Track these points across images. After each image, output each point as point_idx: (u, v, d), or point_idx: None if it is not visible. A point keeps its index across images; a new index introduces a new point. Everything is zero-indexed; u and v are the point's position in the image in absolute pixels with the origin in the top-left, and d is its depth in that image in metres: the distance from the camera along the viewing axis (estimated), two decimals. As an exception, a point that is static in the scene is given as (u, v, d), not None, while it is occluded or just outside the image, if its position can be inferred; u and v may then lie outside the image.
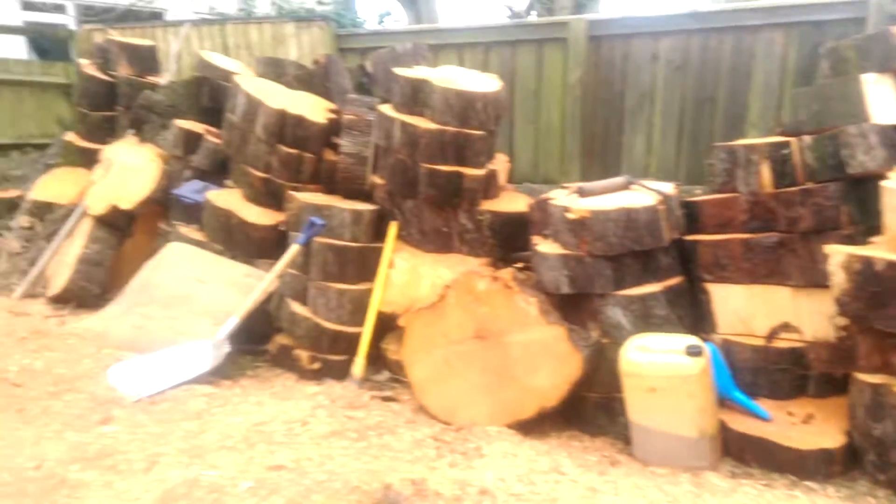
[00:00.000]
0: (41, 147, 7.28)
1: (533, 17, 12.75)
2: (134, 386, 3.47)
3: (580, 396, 3.04)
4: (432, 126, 3.82)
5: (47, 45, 11.66)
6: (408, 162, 3.89)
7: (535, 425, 3.11)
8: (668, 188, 3.25)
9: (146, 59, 5.93)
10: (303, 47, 6.36)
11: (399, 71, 4.08)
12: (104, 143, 6.07)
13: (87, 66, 6.00)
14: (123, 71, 5.82)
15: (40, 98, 7.37)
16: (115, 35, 6.23)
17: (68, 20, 11.71)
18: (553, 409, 3.03)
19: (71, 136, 6.17)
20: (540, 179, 5.70)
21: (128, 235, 5.17)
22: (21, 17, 11.36)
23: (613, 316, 2.94)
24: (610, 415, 3.03)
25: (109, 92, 5.96)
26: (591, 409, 3.09)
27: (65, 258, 4.96)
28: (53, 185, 5.88)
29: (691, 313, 3.12)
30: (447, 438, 3.07)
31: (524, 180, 5.60)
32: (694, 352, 2.61)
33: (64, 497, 2.48)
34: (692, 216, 3.26)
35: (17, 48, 10.36)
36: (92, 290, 4.84)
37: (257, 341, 4.18)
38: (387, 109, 4.06)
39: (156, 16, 10.77)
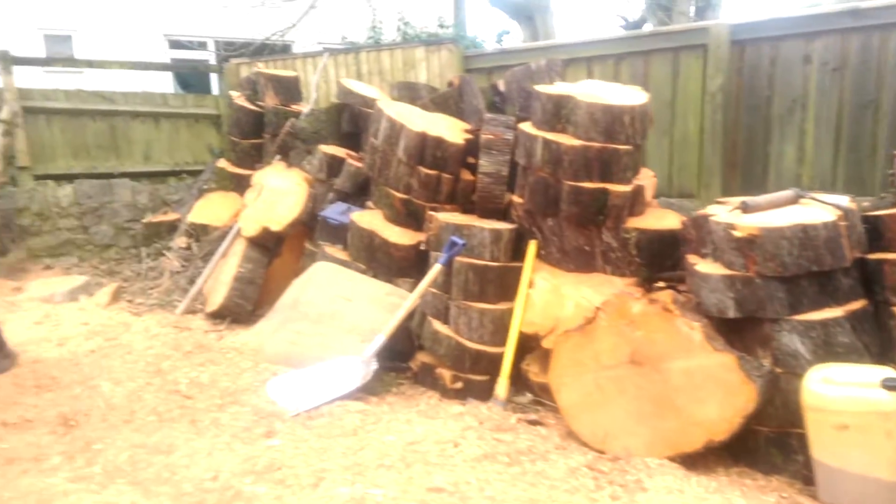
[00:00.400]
0: (194, 173, 7.83)
1: (648, 27, 12.32)
2: (292, 400, 3.58)
3: (750, 430, 2.80)
4: (576, 142, 3.70)
5: (191, 79, 12.64)
6: (549, 180, 3.79)
7: (699, 459, 2.90)
8: (845, 201, 2.95)
9: (290, 89, 6.23)
10: (432, 70, 6.44)
11: (539, 88, 4.00)
12: (253, 168, 6.43)
13: (238, 98, 6.38)
14: (270, 101, 6.14)
15: (194, 128, 7.94)
16: (262, 68, 6.58)
17: (209, 56, 12.61)
18: (721, 443, 2.80)
19: (223, 163, 6.57)
20: (675, 193, 5.43)
21: (276, 255, 5.41)
22: (169, 55, 12.39)
23: (789, 343, 2.68)
24: (784, 451, 2.76)
25: (257, 121, 6.31)
26: (762, 444, 2.83)
27: (221, 277, 5.25)
28: (208, 209, 6.28)
29: (877, 341, 2.79)
30: (603, 468, 2.93)
31: (659, 195, 5.34)
32: (892, 385, 2.32)
33: (240, 509, 2.56)
34: (875, 232, 2.93)
35: (164, 83, 11.26)
36: (246, 306, 5.10)
37: (400, 359, 4.22)
38: (527, 127, 3.99)
39: (286, 48, 11.35)
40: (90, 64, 7.71)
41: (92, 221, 6.84)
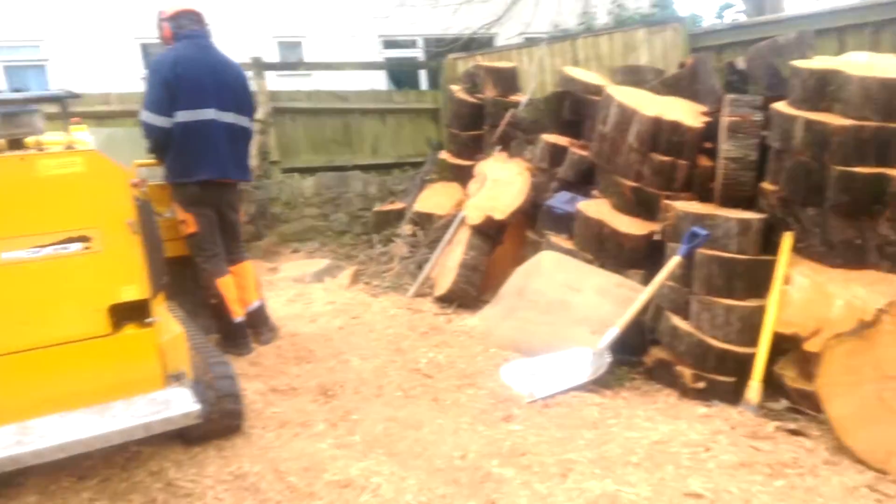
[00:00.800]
0: (416, 165, 8.23)
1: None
2: (526, 386, 3.57)
3: None
4: (846, 122, 3.23)
5: (401, 76, 13.23)
6: (812, 164, 3.36)
7: None
8: None
9: (508, 80, 6.25)
10: (654, 52, 6.08)
11: (798, 63, 3.56)
12: (473, 159, 6.57)
13: (458, 92, 6.55)
14: (489, 93, 6.21)
15: (415, 122, 8.33)
16: (481, 61, 6.68)
17: (418, 53, 13.10)
18: None
19: (444, 155, 6.80)
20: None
21: (498, 243, 5.46)
22: (382, 55, 13.11)
23: None
24: None
25: (476, 113, 6.43)
26: None
27: (447, 263, 5.44)
28: (432, 199, 6.55)
29: None
30: (888, 491, 2.53)
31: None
32: None
33: (492, 490, 2.59)
34: None
35: (378, 81, 11.84)
36: (471, 291, 5.22)
37: (630, 352, 4.02)
38: (782, 107, 3.56)
39: (489, 42, 11.42)
40: (328, 66, 8.40)
41: (330, 210, 7.48)
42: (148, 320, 2.55)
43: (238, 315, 4.17)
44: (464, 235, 5.45)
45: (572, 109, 5.34)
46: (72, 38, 11.06)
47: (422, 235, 6.58)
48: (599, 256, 4.34)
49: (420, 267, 6.10)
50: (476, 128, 6.48)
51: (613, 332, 3.74)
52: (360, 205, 7.61)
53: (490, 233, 5.40)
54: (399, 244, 6.58)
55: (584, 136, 5.15)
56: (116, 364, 2.48)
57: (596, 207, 4.41)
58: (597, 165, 4.63)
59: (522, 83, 6.67)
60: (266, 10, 11.91)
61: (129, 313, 2.52)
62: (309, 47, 12.79)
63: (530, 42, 7.28)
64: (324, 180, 7.42)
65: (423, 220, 6.55)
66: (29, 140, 2.43)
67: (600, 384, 3.67)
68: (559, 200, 4.65)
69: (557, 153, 5.09)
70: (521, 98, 6.15)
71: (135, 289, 2.49)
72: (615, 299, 4.07)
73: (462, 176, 6.56)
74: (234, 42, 12.00)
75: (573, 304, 4.13)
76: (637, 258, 4.19)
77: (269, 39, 12.64)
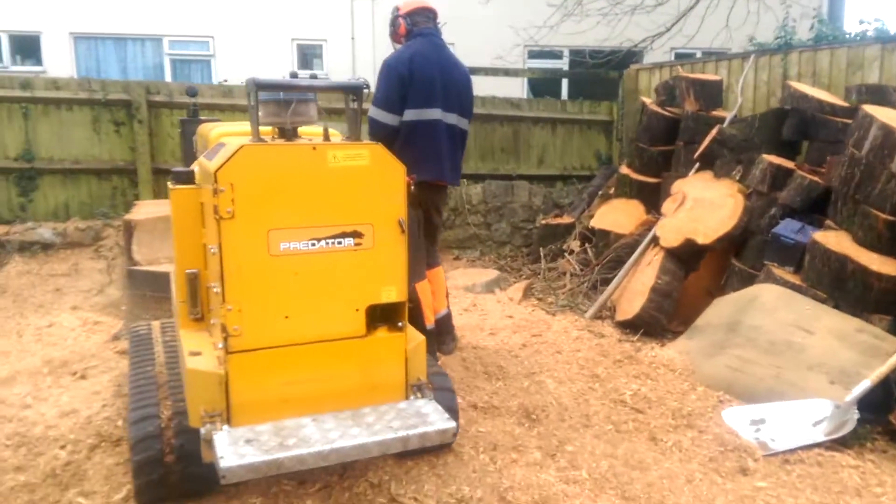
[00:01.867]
0: (582, 178, 7.98)
1: None
2: (756, 435, 3.24)
3: None
4: None
5: (539, 86, 12.90)
6: None
7: None
8: None
9: (712, 94, 5.88)
10: (889, 70, 5.47)
11: None
12: (658, 176, 6.25)
13: (651, 104, 6.25)
14: (689, 106, 5.86)
15: (585, 134, 8.09)
16: (682, 72, 6.34)
17: (563, 64, 12.71)
18: None
19: (625, 170, 6.51)
20: None
21: (693, 269, 5.11)
22: (527, 64, 12.93)
23: None
24: None
25: (670, 127, 6.10)
26: None
27: (634, 286, 5.15)
28: (610, 215, 6.28)
29: None
30: None
31: None
32: None
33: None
34: None
35: (514, 89, 11.49)
36: (661, 320, 4.90)
37: (873, 409, 3.56)
38: None
39: (632, 55, 10.77)
40: (506, 72, 8.34)
41: (494, 219, 7.39)
42: (399, 324, 2.50)
43: (430, 322, 4.12)
44: (654, 258, 5.15)
45: (797, 129, 4.90)
46: (236, 36, 11.84)
47: (592, 253, 6.34)
48: (836, 296, 3.90)
49: (594, 287, 5.85)
50: (667, 143, 6.15)
51: (864, 385, 3.32)
52: (524, 216, 7.47)
53: (686, 257, 5.06)
54: (569, 260, 6.37)
55: (809, 158, 4.70)
56: (366, 368, 2.44)
57: (836, 240, 3.98)
58: (834, 193, 4.18)
59: (726, 98, 6.25)
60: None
61: (383, 315, 2.48)
62: (456, 52, 12.95)
63: (735, 55, 6.81)
64: (492, 188, 7.35)
65: (599, 237, 6.29)
66: (303, 130, 2.45)
67: (838, 442, 3.26)
68: (788, 229, 4.24)
69: (780, 176, 4.67)
70: (727, 114, 5.75)
71: (394, 290, 2.44)
72: (857, 346, 3.63)
73: (645, 193, 6.26)
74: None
75: (804, 347, 3.73)
76: (886, 302, 3.72)
77: None
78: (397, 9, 3.90)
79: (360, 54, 12.83)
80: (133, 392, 2.75)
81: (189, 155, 3.41)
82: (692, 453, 3.14)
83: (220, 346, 2.24)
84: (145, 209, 5.28)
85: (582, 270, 6.19)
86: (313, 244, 2.29)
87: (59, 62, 11.37)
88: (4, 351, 4.02)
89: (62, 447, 2.89)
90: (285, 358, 2.32)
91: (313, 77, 2.39)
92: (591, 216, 6.86)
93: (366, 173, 2.32)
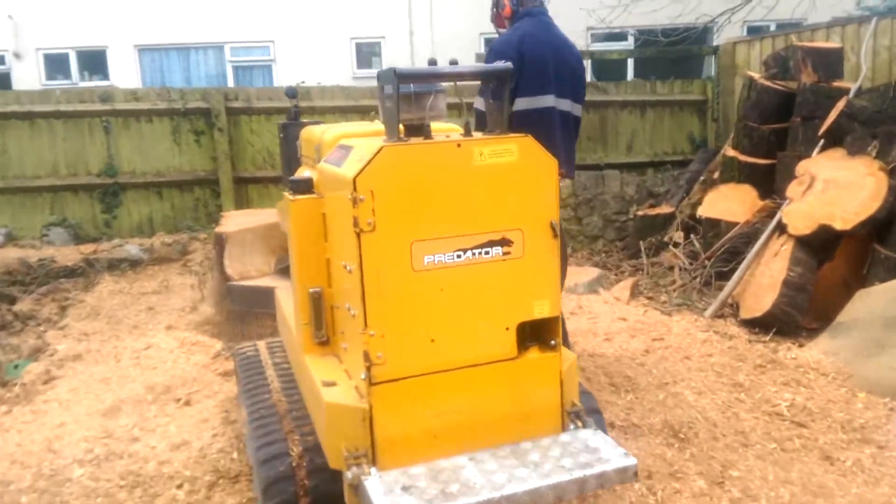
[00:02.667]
0: (676, 164, 7.49)
1: None
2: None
3: None
4: None
5: (603, 67, 12.28)
6: None
7: None
8: None
9: (832, 64, 5.35)
10: None
11: None
12: (770, 157, 5.75)
13: (760, 78, 5.75)
14: (807, 78, 5.35)
15: (677, 116, 7.61)
16: (797, 41, 5.81)
17: (629, 45, 12.09)
18: None
19: (731, 152, 6.03)
20: None
21: (827, 259, 4.62)
22: (591, 47, 12.38)
23: None
24: None
25: (783, 103, 5.59)
26: None
27: (761, 280, 4.70)
28: (719, 203, 5.81)
29: None
30: None
31: None
32: None
33: None
34: None
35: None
36: (795, 316, 4.44)
37: None
38: None
39: (707, 31, 10.02)
40: (591, 55, 7.92)
41: (585, 213, 7.01)
42: (552, 343, 2.19)
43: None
44: (782, 248, 4.68)
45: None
46: (296, 39, 11.83)
47: (700, 245, 5.88)
48: None
49: (708, 282, 5.41)
50: (780, 120, 5.63)
51: None
52: (616, 207, 7.05)
53: (820, 246, 4.57)
54: (676, 253, 5.93)
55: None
56: (518, 394, 2.15)
57: None
58: None
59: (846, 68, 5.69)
60: (477, 10, 12.04)
61: (533, 333, 2.17)
62: None
63: (851, 19, 6.22)
64: (582, 180, 6.96)
65: (707, 227, 5.83)
66: (436, 126, 2.17)
67: None
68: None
69: (931, 150, 4.15)
70: (849, 85, 5.21)
71: (547, 304, 2.13)
72: None
73: (757, 176, 5.75)
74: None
75: None
76: None
77: (477, 37, 12.72)
78: (500, -12, 3.60)
79: (418, 50, 12.68)
80: (255, 425, 2.54)
81: (292, 160, 3.19)
82: (878, 474, 2.75)
83: (362, 376, 1.98)
84: (234, 220, 5.16)
85: (691, 264, 5.75)
86: (459, 256, 2.01)
87: (125, 75, 11.63)
88: (104, 378, 3.92)
89: (179, 486, 2.72)
90: (433, 387, 2.04)
91: (453, 64, 2.11)
92: (694, 204, 6.40)
93: (514, 171, 2.02)
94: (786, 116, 5.62)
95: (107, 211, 6.85)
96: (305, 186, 2.40)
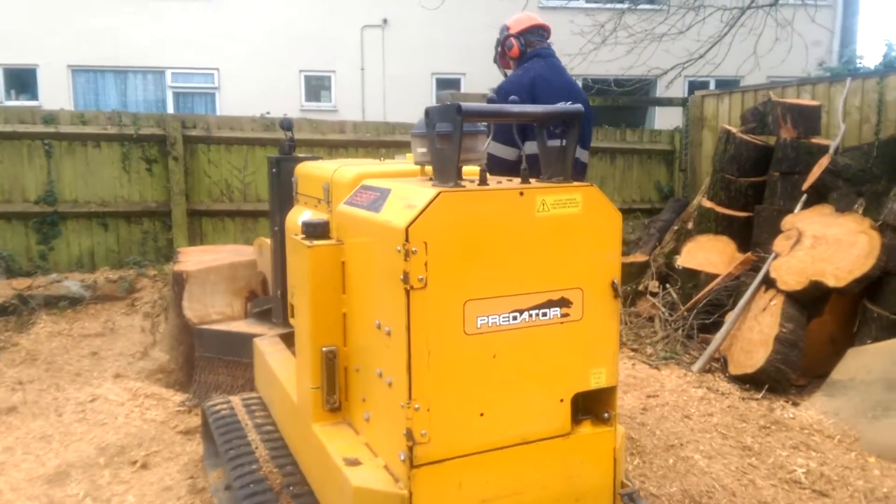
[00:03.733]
0: (644, 212, 7.51)
1: None
2: None
3: None
4: None
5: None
6: None
7: None
8: None
9: (811, 120, 5.46)
10: None
11: None
12: (746, 210, 5.80)
13: (738, 132, 5.83)
14: (786, 134, 5.44)
15: (645, 165, 7.66)
16: (775, 97, 5.93)
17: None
18: None
19: (708, 203, 6.06)
20: None
21: (815, 315, 4.61)
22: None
23: None
24: None
25: (762, 157, 5.67)
26: None
27: (750, 335, 4.63)
28: (697, 253, 5.79)
29: None
30: None
31: None
32: None
33: None
34: None
35: None
36: (788, 374, 4.38)
37: None
38: None
39: (653, 84, 10.28)
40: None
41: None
42: (606, 415, 1.98)
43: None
44: (771, 303, 4.64)
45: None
46: (242, 68, 11.58)
47: (678, 296, 5.83)
48: None
49: (690, 334, 5.34)
50: (757, 174, 5.70)
51: None
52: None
53: (809, 302, 4.56)
54: (655, 304, 5.86)
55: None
56: (570, 474, 1.92)
57: None
58: None
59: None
60: (430, 50, 12.17)
61: (585, 405, 1.96)
62: (468, 84, 12.80)
63: (826, 78, 6.43)
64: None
65: (686, 277, 5.79)
66: (469, 169, 1.96)
67: None
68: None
69: (922, 210, 4.21)
70: (827, 141, 5.32)
71: (604, 373, 1.93)
72: None
73: (734, 229, 5.78)
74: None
75: None
76: None
77: (429, 76, 12.81)
78: (507, 27, 3.46)
79: (369, 85, 12.61)
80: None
81: (284, 198, 2.91)
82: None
83: (401, 457, 1.71)
84: (194, 258, 4.77)
85: (671, 315, 5.68)
86: (515, 318, 1.78)
87: (55, 95, 11.04)
88: (45, 435, 3.46)
89: (150, 575, 2.33)
90: (480, 468, 1.79)
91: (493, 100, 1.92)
92: (668, 253, 6.38)
93: (577, 223, 1.82)
94: (762, 170, 5.70)
95: (43, 242, 6.29)
96: (322, 231, 2.14)
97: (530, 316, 1.80)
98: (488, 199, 1.73)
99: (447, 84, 13.47)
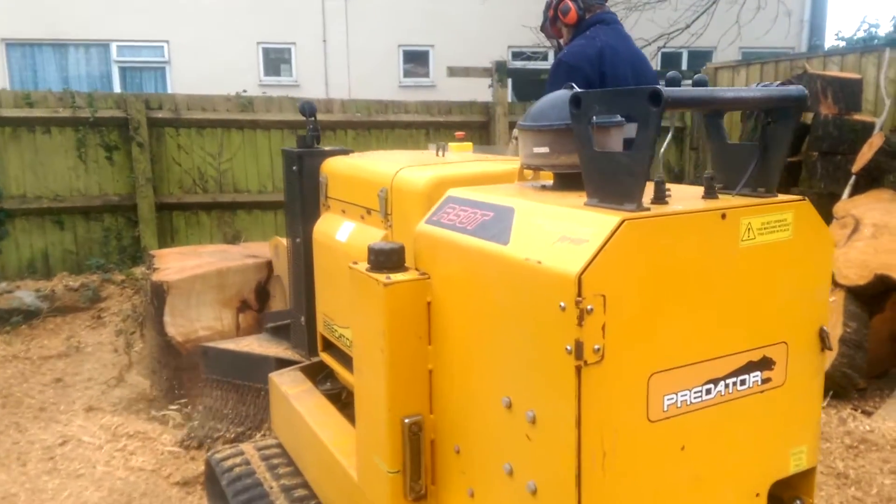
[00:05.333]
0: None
1: None
2: None
3: None
4: None
5: (526, 88, 12.07)
6: None
7: None
8: None
9: (853, 95, 5.06)
10: None
11: None
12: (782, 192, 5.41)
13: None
14: (826, 110, 5.03)
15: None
16: (810, 69, 5.52)
17: (548, 65, 11.92)
18: None
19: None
20: None
21: (877, 311, 4.25)
22: (511, 66, 12.11)
23: None
24: None
25: (796, 135, 5.27)
26: None
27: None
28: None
29: None
30: None
31: None
32: None
33: None
34: None
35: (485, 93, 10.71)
36: (854, 378, 4.01)
37: None
38: None
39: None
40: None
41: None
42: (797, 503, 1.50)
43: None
44: (831, 299, 4.26)
45: None
46: (195, 40, 10.85)
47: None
48: None
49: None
50: (790, 153, 5.30)
51: None
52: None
53: (871, 297, 4.19)
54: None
55: None
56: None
57: None
58: None
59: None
60: (396, 21, 11.58)
61: (782, 490, 1.48)
62: (437, 57, 12.25)
63: (842, 50, 6.04)
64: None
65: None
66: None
67: None
68: None
69: None
70: (871, 118, 4.94)
71: (805, 452, 1.45)
72: None
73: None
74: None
75: None
76: None
77: (395, 48, 12.21)
78: (558, -12, 2.92)
79: (332, 57, 11.96)
80: None
81: (308, 201, 2.34)
82: None
83: None
84: (174, 264, 4.16)
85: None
86: (709, 391, 1.28)
87: (-14, 72, 10.08)
88: (8, 494, 2.86)
89: None
90: None
91: (682, 77, 1.41)
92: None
93: (786, 253, 1.33)
94: (795, 150, 5.31)
95: (-13, 244, 5.55)
96: (398, 260, 1.59)
97: (726, 387, 1.30)
98: (683, 227, 1.21)
99: (414, 56, 12.86)
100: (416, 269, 1.60)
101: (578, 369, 1.12)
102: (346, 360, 2.22)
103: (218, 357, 3.24)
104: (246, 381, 3.16)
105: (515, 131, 5.69)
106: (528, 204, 1.37)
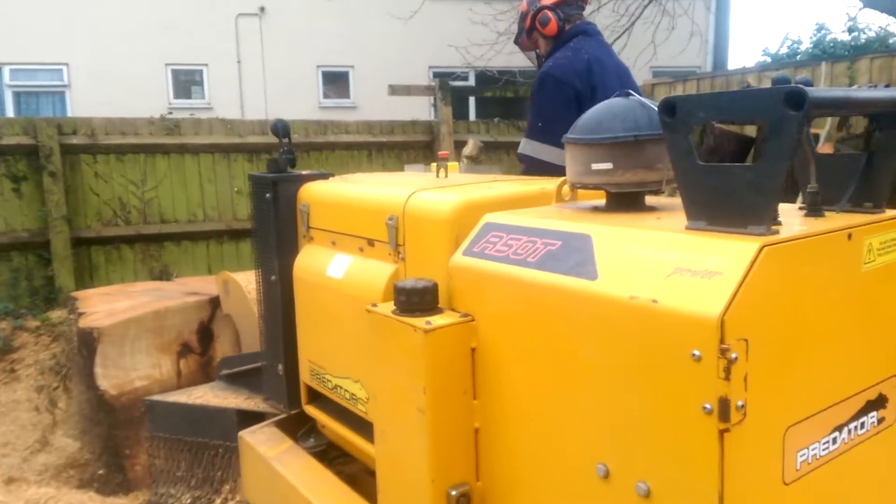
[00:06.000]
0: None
1: None
2: None
3: None
4: None
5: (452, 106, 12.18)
6: None
7: None
8: None
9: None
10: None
11: None
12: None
13: (715, 123, 5.49)
14: (771, 123, 5.13)
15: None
16: (752, 83, 5.64)
17: (470, 84, 12.05)
18: None
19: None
20: None
21: None
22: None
23: None
24: None
25: (744, 149, 5.37)
26: None
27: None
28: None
29: None
30: None
31: None
32: None
33: None
34: None
35: (422, 110, 10.65)
36: None
37: None
38: None
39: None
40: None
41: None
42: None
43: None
44: None
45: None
46: (97, 63, 10.29)
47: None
48: None
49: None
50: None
51: None
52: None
53: None
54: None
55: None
56: None
57: None
58: None
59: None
60: (314, 41, 11.44)
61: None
62: (357, 78, 12.08)
63: (807, 63, 6.23)
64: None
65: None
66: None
67: None
68: None
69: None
70: (819, 131, 5.07)
71: (912, 497, 1.29)
72: None
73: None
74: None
75: None
76: None
77: (314, 69, 11.97)
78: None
79: (247, 79, 11.56)
80: None
81: (284, 232, 2.06)
82: None
83: None
84: (101, 306, 3.72)
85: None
86: (834, 440, 1.11)
87: None
88: None
89: None
90: None
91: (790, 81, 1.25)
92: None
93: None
94: (742, 161, 5.40)
95: None
96: (432, 300, 1.35)
97: (849, 433, 1.13)
98: (817, 251, 1.03)
99: (334, 77, 12.61)
100: (454, 311, 1.36)
101: (722, 434, 0.91)
102: (343, 415, 1.94)
103: (166, 411, 2.86)
104: (201, 437, 2.79)
105: (466, 149, 5.40)
106: (608, 230, 1.17)
